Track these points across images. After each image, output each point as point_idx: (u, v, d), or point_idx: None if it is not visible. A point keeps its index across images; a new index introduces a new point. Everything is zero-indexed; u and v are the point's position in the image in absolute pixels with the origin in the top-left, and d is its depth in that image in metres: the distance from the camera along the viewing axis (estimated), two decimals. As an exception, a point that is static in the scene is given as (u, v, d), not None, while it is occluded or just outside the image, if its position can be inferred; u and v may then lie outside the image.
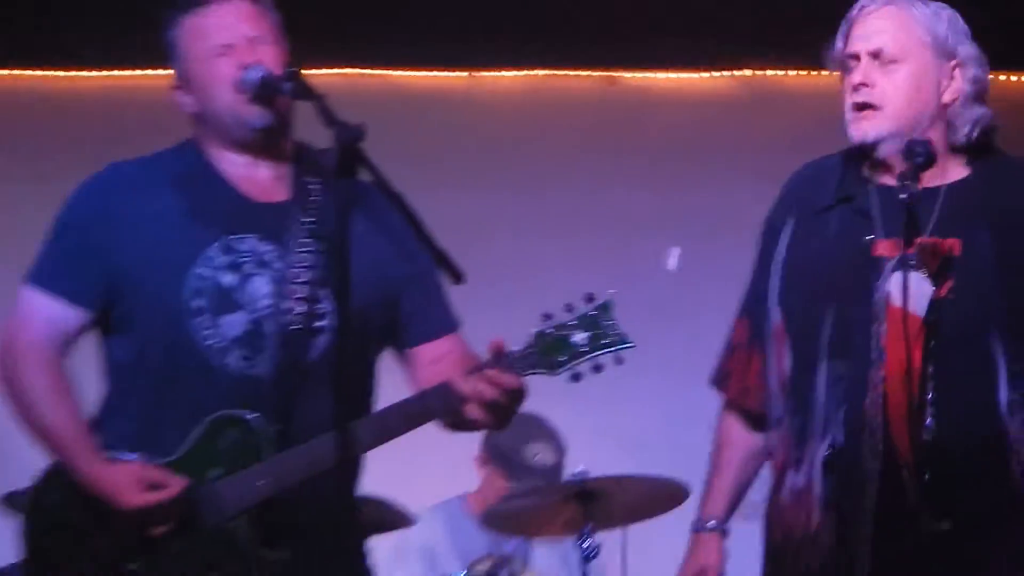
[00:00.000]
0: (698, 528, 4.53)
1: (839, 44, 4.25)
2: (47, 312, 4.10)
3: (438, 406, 3.91)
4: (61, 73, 7.89)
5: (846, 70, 4.20)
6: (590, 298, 3.86)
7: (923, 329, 3.97)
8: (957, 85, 4.14)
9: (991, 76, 4.25)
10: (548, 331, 3.83)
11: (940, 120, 4.14)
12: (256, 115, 3.95)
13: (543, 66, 7.95)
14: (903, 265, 3.97)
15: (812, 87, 7.42)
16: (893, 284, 4.00)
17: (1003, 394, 4.09)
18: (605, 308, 3.85)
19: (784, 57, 7.78)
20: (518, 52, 7.76)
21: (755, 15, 7.65)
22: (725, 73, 7.93)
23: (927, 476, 3.89)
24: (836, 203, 4.15)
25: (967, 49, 4.19)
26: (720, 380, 4.46)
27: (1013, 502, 4.14)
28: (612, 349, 3.83)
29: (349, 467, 4.03)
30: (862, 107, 4.11)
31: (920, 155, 3.92)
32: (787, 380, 4.24)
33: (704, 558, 4.49)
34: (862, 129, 4.09)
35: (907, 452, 3.95)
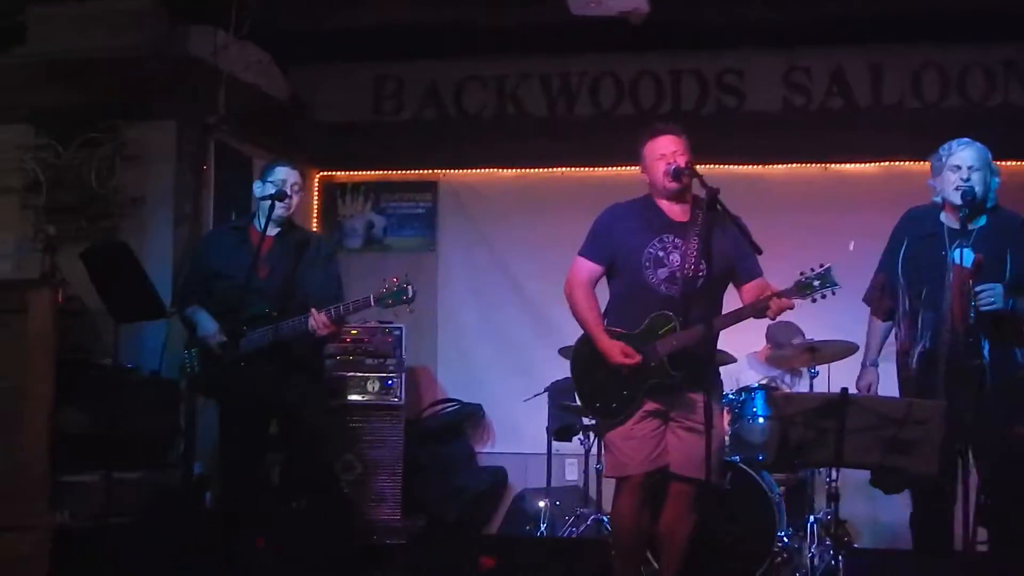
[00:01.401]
0: (864, 364, 5.53)
1: (944, 158, 5.20)
2: (587, 267, 5.15)
3: (753, 311, 4.95)
4: (568, 169, 8.39)
5: (951, 169, 5.14)
6: (821, 265, 4.87)
7: (968, 273, 4.92)
8: (991, 182, 5.19)
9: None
10: (801, 280, 4.86)
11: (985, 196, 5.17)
12: (673, 185, 5.02)
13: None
14: (959, 245, 4.98)
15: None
16: (955, 254, 5.03)
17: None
18: (828, 270, 4.84)
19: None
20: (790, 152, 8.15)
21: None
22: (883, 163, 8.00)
23: (971, 339, 4.84)
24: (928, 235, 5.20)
25: (994, 165, 5.22)
26: (869, 302, 5.47)
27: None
28: (830, 287, 4.83)
29: (713, 338, 5.11)
30: (962, 188, 5.08)
31: (968, 204, 5.02)
32: (907, 311, 5.28)
33: (868, 379, 5.48)
34: (961, 197, 5.06)
35: (962, 328, 4.90)
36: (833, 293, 4.87)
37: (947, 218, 5.26)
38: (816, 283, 4.86)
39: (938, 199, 5.29)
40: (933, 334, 5.12)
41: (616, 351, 4.99)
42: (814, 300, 4.89)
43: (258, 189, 5.69)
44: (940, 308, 5.12)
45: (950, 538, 5.15)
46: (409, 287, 5.47)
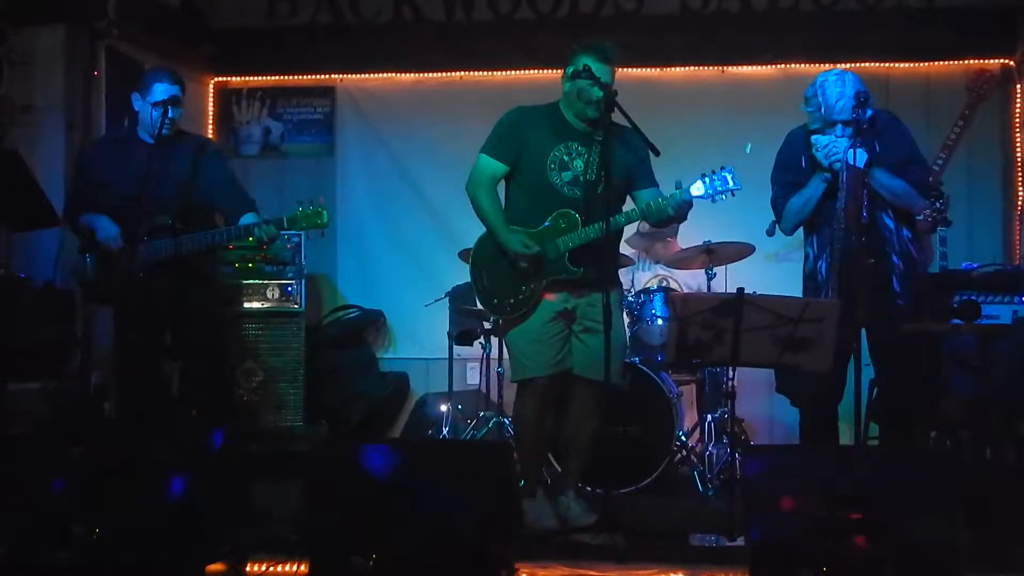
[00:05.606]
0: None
1: (819, 100, 5.11)
2: (491, 167, 5.15)
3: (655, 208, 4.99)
4: (486, 73, 8.24)
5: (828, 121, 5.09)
6: (722, 167, 4.98)
7: (861, 172, 4.96)
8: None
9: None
10: (703, 181, 4.97)
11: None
12: (593, 115, 4.98)
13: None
14: (852, 146, 4.90)
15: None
16: (848, 155, 4.94)
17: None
18: (729, 171, 4.98)
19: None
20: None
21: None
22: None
23: (864, 239, 4.84)
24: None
25: (865, 88, 5.04)
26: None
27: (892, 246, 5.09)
28: (731, 189, 4.96)
29: (614, 237, 5.16)
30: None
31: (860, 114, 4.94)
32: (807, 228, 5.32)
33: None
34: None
35: (855, 227, 4.87)
36: (733, 194, 4.94)
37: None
38: (717, 184, 4.93)
39: (816, 125, 5.22)
40: (832, 250, 5.09)
41: (516, 242, 5.02)
42: (714, 200, 4.96)
43: (137, 103, 5.55)
44: (833, 223, 5.10)
45: (836, 436, 5.25)
46: (325, 212, 5.43)
